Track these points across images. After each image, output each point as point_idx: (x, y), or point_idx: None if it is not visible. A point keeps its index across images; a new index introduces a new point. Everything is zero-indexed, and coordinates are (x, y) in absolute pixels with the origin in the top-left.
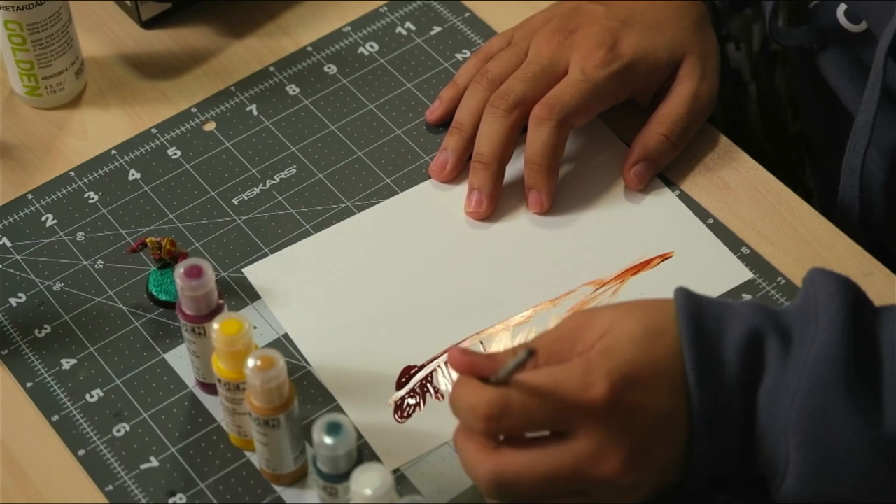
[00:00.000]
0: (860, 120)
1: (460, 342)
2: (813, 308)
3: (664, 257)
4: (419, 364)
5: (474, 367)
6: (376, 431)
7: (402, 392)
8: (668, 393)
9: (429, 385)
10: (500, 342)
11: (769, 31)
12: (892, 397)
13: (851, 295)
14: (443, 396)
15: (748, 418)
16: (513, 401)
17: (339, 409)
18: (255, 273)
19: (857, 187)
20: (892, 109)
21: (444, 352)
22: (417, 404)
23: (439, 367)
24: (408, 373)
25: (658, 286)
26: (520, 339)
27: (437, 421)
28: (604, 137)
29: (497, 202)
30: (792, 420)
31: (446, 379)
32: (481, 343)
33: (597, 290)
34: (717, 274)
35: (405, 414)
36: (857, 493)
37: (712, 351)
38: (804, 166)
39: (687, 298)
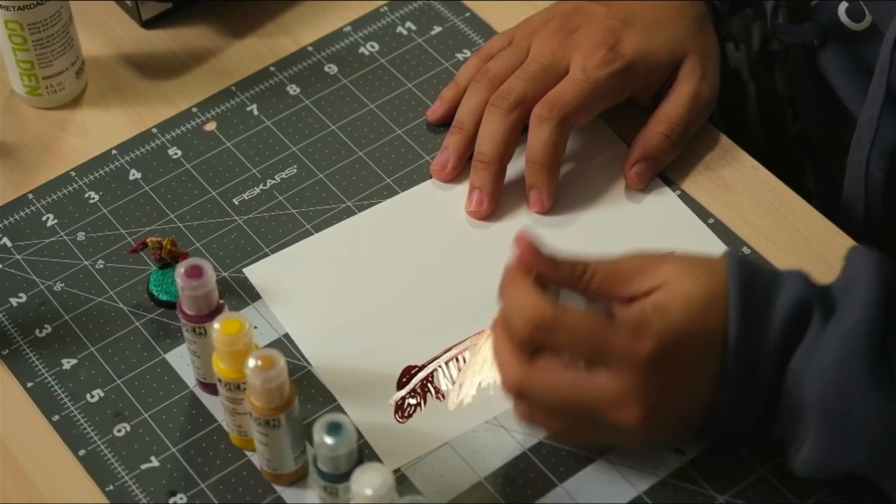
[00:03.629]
0: (865, 115)
1: (460, 342)
2: (852, 284)
3: None
4: (420, 364)
5: (534, 263)
6: (377, 431)
7: (403, 392)
8: (706, 357)
9: (430, 385)
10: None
11: (770, 28)
12: None
13: (891, 273)
14: (444, 397)
15: (776, 384)
16: (562, 323)
17: (339, 409)
18: (256, 273)
19: (862, 183)
20: (893, 109)
21: (445, 351)
22: (418, 404)
23: (440, 367)
24: (408, 373)
25: None
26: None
27: (437, 421)
28: (604, 137)
29: (498, 202)
30: (815, 391)
31: (447, 379)
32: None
33: None
34: None
35: (406, 414)
36: (870, 467)
37: (759, 317)
38: (804, 166)
39: (740, 264)
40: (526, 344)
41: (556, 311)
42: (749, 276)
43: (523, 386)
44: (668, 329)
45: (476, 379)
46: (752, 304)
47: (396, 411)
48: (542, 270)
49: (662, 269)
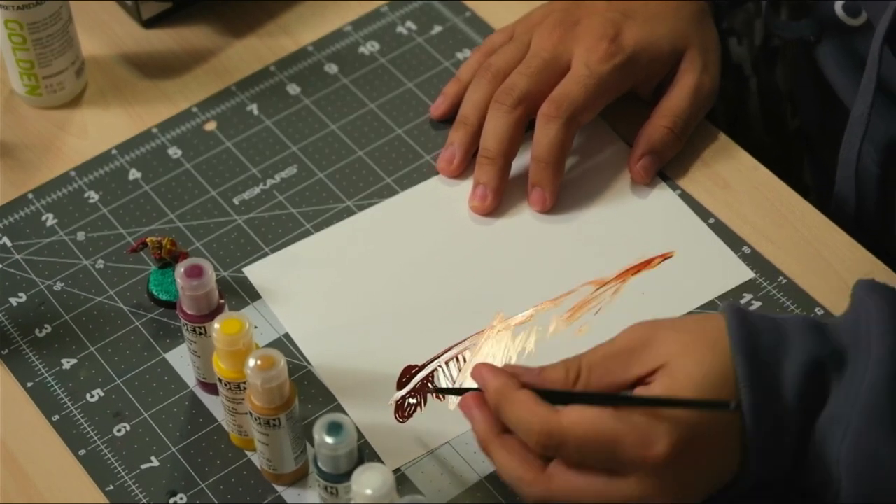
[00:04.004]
0: (856, 111)
1: (461, 342)
2: (865, 336)
3: (665, 257)
4: (420, 363)
5: (519, 377)
6: (377, 431)
7: (403, 392)
8: (725, 438)
9: (430, 385)
10: (501, 341)
11: (767, 23)
12: None
13: None
14: (443, 396)
15: (801, 446)
16: (569, 439)
17: (340, 408)
18: (256, 272)
19: (853, 180)
20: (887, 103)
21: (445, 351)
22: (418, 404)
23: (440, 366)
24: (409, 372)
25: (659, 286)
26: (520, 339)
27: (437, 421)
28: (603, 136)
29: (501, 197)
30: (843, 452)
31: (447, 378)
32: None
33: (598, 289)
34: (718, 274)
35: (406, 414)
36: None
37: (771, 386)
38: (803, 162)
39: (740, 329)
40: (532, 453)
41: (561, 429)
42: (752, 342)
43: (546, 499)
44: (680, 426)
45: None
46: (761, 375)
47: (396, 411)
48: (535, 384)
49: (660, 345)
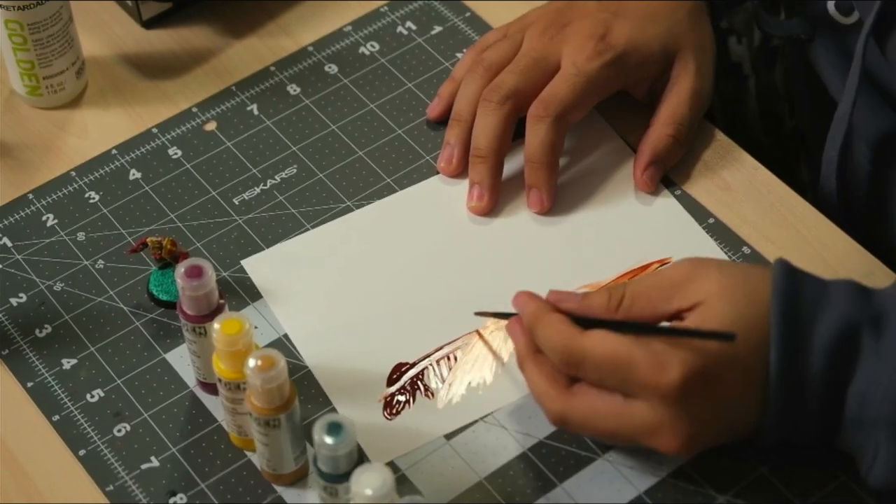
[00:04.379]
0: (840, 110)
1: (453, 341)
2: None
3: (662, 262)
4: (411, 361)
5: (561, 303)
6: (364, 427)
7: (393, 389)
8: (743, 383)
9: (419, 383)
10: (493, 342)
11: (758, 21)
12: None
13: None
14: (433, 395)
15: (834, 408)
16: (589, 357)
17: (328, 402)
18: (255, 265)
19: (833, 179)
20: (874, 99)
21: (436, 350)
22: (407, 402)
23: (431, 365)
24: (399, 370)
25: None
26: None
27: (425, 419)
28: (603, 135)
29: (498, 195)
30: (884, 413)
31: (437, 377)
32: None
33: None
34: None
35: (394, 411)
36: None
37: (802, 340)
38: (800, 161)
39: (784, 278)
40: (561, 374)
41: (581, 350)
42: (792, 297)
43: (564, 415)
44: (695, 358)
45: (466, 378)
46: (793, 331)
47: (385, 408)
48: (574, 309)
49: (703, 284)
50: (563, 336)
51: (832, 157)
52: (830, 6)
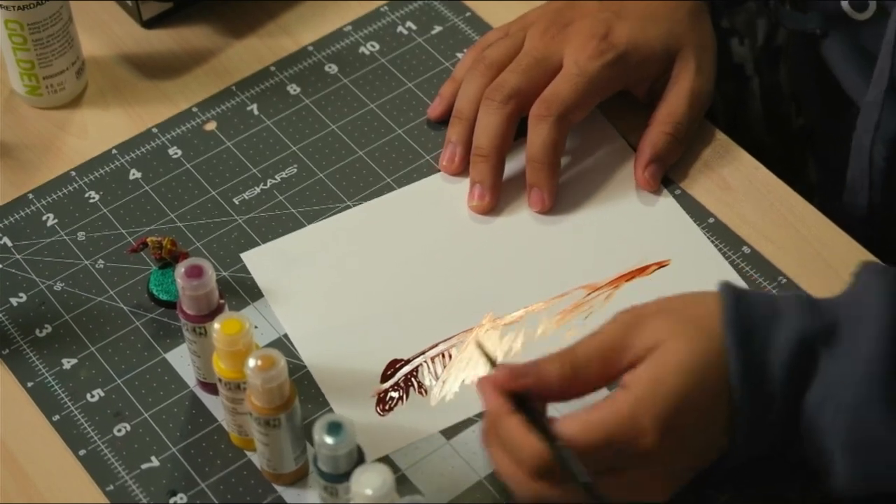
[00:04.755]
0: (869, 98)
1: (449, 338)
2: (861, 312)
3: (660, 265)
4: (406, 358)
5: (519, 389)
6: (358, 422)
7: (387, 385)
8: (713, 414)
9: (413, 380)
10: (490, 340)
11: (774, 15)
12: None
13: None
14: (426, 392)
15: (791, 421)
16: (557, 465)
17: (328, 402)
18: (254, 258)
19: (867, 167)
20: (892, 96)
21: (431, 347)
22: (400, 398)
23: (425, 362)
24: (394, 366)
25: (652, 293)
26: (508, 339)
27: (418, 416)
28: (604, 134)
29: (499, 194)
30: (837, 429)
31: (431, 374)
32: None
33: (590, 294)
34: (712, 283)
35: (388, 407)
36: None
37: (760, 364)
38: (805, 161)
39: (734, 309)
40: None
41: (552, 459)
42: (745, 321)
43: (537, 500)
44: (666, 406)
45: (460, 376)
46: (751, 355)
47: (378, 403)
48: (530, 385)
49: (650, 328)
50: (529, 444)
51: (864, 145)
52: (845, 5)
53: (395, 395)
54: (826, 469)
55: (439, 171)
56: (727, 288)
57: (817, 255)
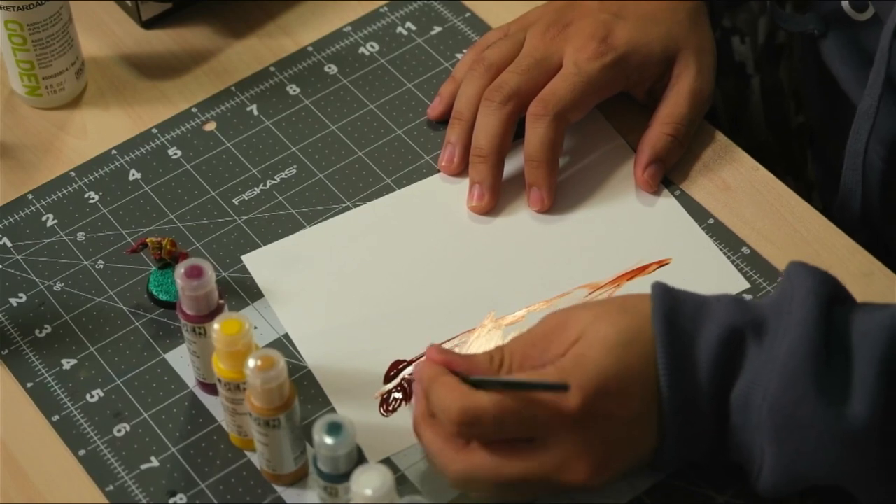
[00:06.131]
0: (864, 104)
1: (450, 339)
2: (788, 303)
3: (661, 264)
4: (409, 359)
5: (449, 364)
6: (360, 424)
7: (390, 386)
8: (639, 398)
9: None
10: (491, 340)
11: (772, 16)
12: (860, 390)
13: (828, 290)
14: None
15: (721, 416)
16: (486, 411)
17: (328, 402)
18: (255, 260)
19: (859, 172)
20: (894, 98)
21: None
22: (403, 399)
23: None
24: (396, 367)
25: None
26: (511, 339)
27: None
28: (604, 134)
29: (499, 195)
30: (763, 417)
31: None
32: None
33: (591, 293)
34: (713, 282)
35: (390, 408)
36: (832, 479)
37: (686, 354)
38: (806, 159)
39: (663, 297)
40: (458, 436)
41: (477, 404)
42: (672, 308)
43: (468, 474)
44: (591, 378)
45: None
46: (676, 338)
47: (381, 404)
48: (460, 369)
49: (576, 322)
50: (458, 394)
51: (857, 150)
52: (845, 5)
53: (398, 395)
54: (757, 465)
55: (439, 171)
56: (658, 284)
57: (817, 256)
